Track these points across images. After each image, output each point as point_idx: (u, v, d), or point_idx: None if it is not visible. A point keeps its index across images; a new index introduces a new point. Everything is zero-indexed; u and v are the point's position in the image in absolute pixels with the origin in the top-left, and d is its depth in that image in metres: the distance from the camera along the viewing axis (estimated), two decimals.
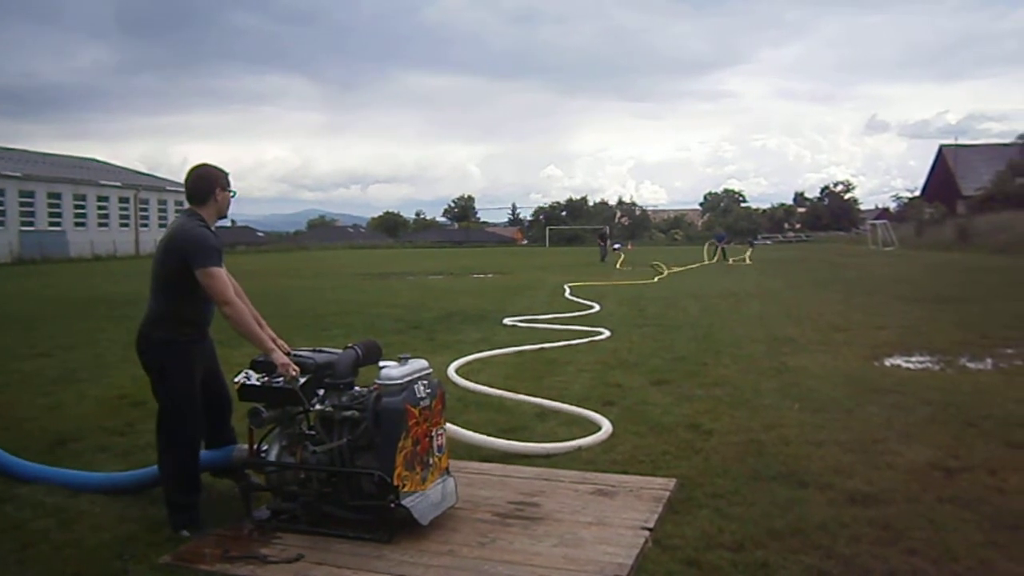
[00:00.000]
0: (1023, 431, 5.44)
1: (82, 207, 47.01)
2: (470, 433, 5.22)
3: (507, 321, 12.18)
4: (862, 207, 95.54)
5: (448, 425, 4.61)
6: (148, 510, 4.15)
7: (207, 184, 4.06)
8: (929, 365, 8.27)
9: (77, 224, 46.34)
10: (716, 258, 37.57)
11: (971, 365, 8.19)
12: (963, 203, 55.58)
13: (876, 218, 65.12)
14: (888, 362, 8.42)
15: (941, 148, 65.17)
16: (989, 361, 8.36)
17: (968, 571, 3.36)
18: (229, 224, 68.17)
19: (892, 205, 75.02)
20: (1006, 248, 33.97)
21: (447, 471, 4.06)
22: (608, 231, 47.75)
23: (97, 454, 5.25)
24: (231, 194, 4.14)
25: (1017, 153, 54.99)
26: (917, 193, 68.08)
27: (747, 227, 78.73)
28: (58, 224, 45.12)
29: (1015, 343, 9.41)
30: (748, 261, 35.32)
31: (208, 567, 3.46)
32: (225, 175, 4.13)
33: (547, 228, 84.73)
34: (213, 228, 4.08)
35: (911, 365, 8.29)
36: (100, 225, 48.07)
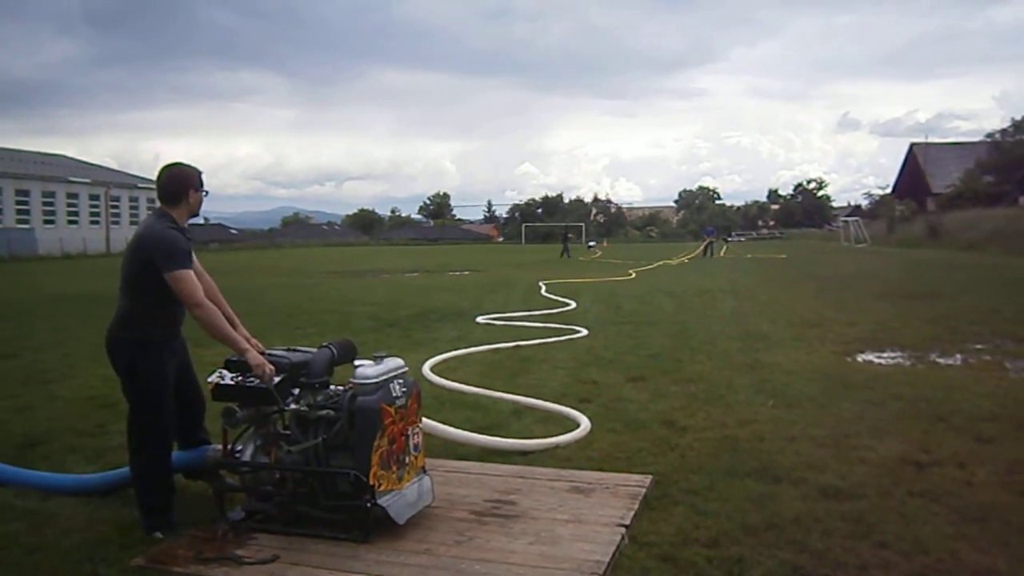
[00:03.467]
0: (991, 425, 5.53)
1: (51, 204, 46.37)
2: (449, 428, 5.21)
3: (480, 319, 12.16)
4: (834, 204, 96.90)
5: (426, 420, 4.61)
6: (120, 512, 4.10)
7: (180, 185, 4.00)
8: (900, 360, 8.38)
9: (46, 222, 45.72)
10: (696, 254, 37.94)
11: (941, 360, 8.30)
12: (933, 200, 56.41)
13: (848, 215, 65.86)
14: (860, 358, 8.52)
15: (912, 146, 66.11)
16: (958, 356, 8.49)
17: (938, 563, 3.41)
18: (202, 222, 67.45)
19: (864, 202, 75.93)
20: (974, 245, 34.51)
21: (423, 470, 4.05)
22: (568, 232, 49.20)
23: (67, 456, 5.17)
24: (204, 194, 4.10)
25: (985, 151, 55.91)
26: (888, 190, 69.04)
27: (721, 224, 79.31)
28: (26, 222, 44.46)
29: (984, 338, 9.55)
30: (723, 255, 35.87)
31: (182, 569, 3.42)
32: (198, 175, 4.08)
33: (523, 225, 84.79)
34: (185, 226, 4.03)
35: (882, 361, 8.39)
36: (70, 223, 47.45)
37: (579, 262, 34.49)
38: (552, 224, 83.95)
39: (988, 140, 57.19)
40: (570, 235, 45.88)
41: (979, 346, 9.05)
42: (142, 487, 3.94)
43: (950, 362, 8.21)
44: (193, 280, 3.84)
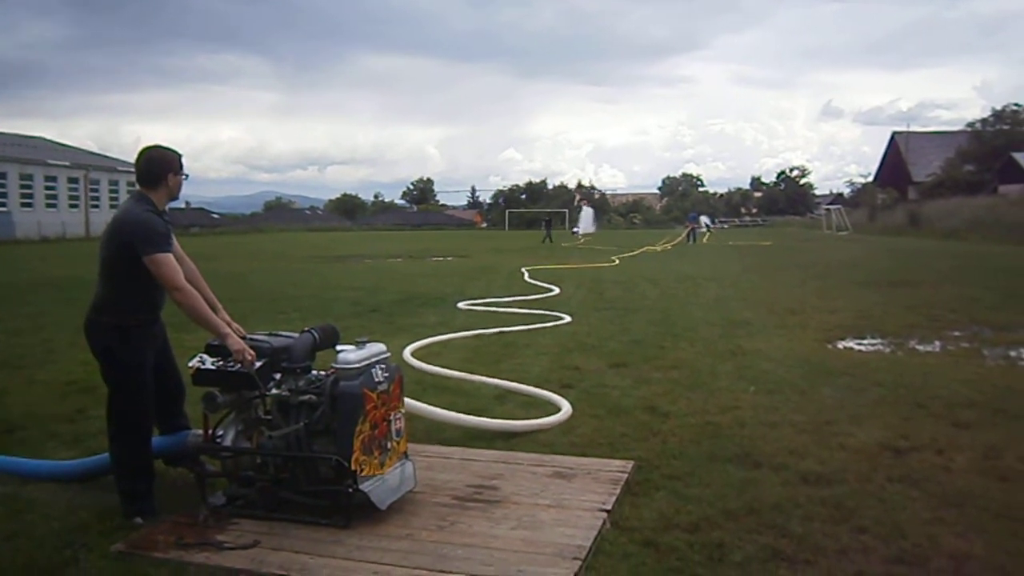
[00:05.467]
0: (969, 412, 5.60)
1: (29, 187, 45.77)
2: (433, 408, 5.22)
3: (462, 305, 12.13)
4: (817, 192, 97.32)
5: (409, 401, 4.61)
6: (99, 498, 4.07)
7: (159, 168, 3.95)
8: (880, 347, 8.45)
9: (24, 205, 45.14)
10: (679, 240, 38.19)
11: (920, 347, 8.38)
12: (914, 189, 56.88)
13: (831, 203, 66.23)
14: (841, 345, 8.59)
15: (893, 135, 66.54)
16: (937, 343, 8.57)
17: (916, 547, 3.44)
18: (183, 206, 66.92)
19: (846, 190, 76.43)
20: (955, 233, 34.83)
21: (406, 455, 4.04)
22: (549, 218, 49.59)
23: (46, 441, 5.12)
24: (183, 177, 4.04)
25: (965, 140, 56.36)
26: (870, 179, 69.50)
27: (705, 211, 79.61)
28: (3, 205, 43.88)
29: (962, 326, 9.65)
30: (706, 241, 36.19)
31: (162, 554, 3.40)
32: (178, 157, 4.02)
33: (506, 211, 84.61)
34: (165, 210, 3.99)
35: (863, 348, 8.46)
36: (48, 206, 46.87)
37: (562, 248, 34.54)
38: (536, 210, 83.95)
39: (969, 129, 57.61)
40: (550, 221, 46.69)
41: (957, 333, 9.15)
42: (122, 472, 3.92)
43: (929, 349, 8.29)
44: (172, 263, 3.80)
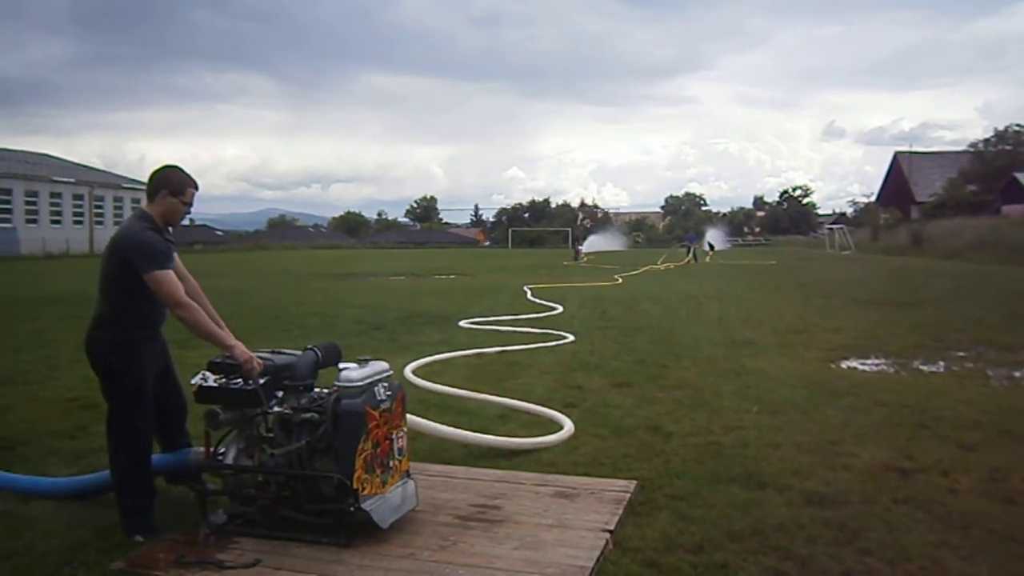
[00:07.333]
0: (974, 432, 5.57)
1: (34, 204, 45.98)
2: (436, 425, 5.21)
3: (463, 323, 12.11)
4: (820, 211, 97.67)
5: (412, 417, 4.61)
6: (100, 515, 4.05)
7: (155, 185, 3.94)
8: (884, 367, 8.42)
9: (28, 221, 45.35)
10: (687, 260, 38.27)
11: (924, 368, 8.35)
12: (917, 209, 56.98)
13: (833, 223, 66.34)
14: (844, 364, 8.56)
15: (896, 155, 66.79)
16: (941, 364, 8.54)
17: (921, 571, 3.42)
18: (187, 223, 67.13)
19: (849, 210, 76.69)
20: (957, 253, 34.84)
21: (408, 474, 4.03)
22: (578, 235, 49.97)
23: (47, 458, 5.11)
24: (184, 206, 3.97)
25: (968, 161, 56.54)
26: (873, 198, 69.71)
27: (701, 230, 79.83)
28: (8, 221, 44.07)
29: (966, 346, 9.62)
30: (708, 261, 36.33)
31: (162, 573, 3.39)
32: (180, 182, 3.95)
33: (510, 229, 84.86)
34: (166, 227, 3.98)
35: (866, 367, 8.43)
36: (53, 223, 47.07)
37: (564, 267, 34.55)
38: (539, 229, 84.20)
39: (971, 150, 57.84)
40: (578, 238, 47.23)
41: (961, 354, 9.12)
42: (122, 489, 3.90)
43: (933, 369, 8.26)
44: (173, 280, 3.80)
